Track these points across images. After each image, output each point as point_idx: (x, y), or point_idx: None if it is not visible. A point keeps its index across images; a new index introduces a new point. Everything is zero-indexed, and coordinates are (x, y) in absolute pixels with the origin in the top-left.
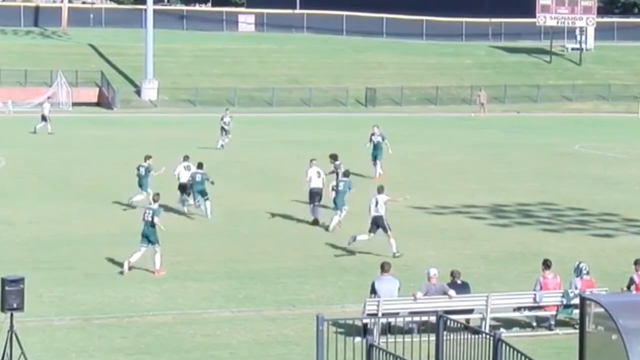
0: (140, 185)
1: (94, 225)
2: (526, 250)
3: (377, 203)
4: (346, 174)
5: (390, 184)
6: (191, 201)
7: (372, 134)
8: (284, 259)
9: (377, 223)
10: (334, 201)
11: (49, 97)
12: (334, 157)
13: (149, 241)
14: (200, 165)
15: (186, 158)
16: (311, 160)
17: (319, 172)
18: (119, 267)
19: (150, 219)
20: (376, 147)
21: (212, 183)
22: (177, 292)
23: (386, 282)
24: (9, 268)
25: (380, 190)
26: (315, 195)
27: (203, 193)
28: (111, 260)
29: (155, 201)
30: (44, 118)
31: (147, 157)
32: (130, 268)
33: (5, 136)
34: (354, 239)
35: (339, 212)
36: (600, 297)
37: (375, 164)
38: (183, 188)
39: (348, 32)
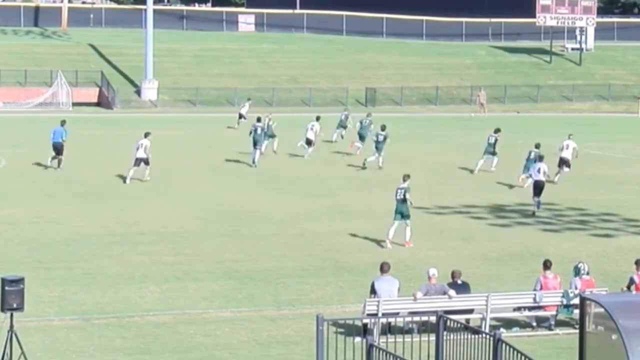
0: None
1: (94, 225)
2: (526, 250)
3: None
4: (536, 145)
5: (391, 184)
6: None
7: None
8: (284, 259)
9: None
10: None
11: (249, 99)
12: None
13: (402, 216)
14: (259, 119)
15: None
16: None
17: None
18: (119, 267)
19: (402, 196)
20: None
21: (269, 137)
22: (177, 292)
23: (386, 282)
24: (9, 268)
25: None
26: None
27: (256, 143)
28: (111, 260)
29: (405, 180)
30: (240, 116)
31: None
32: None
33: (5, 136)
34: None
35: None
36: (600, 297)
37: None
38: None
39: (348, 32)
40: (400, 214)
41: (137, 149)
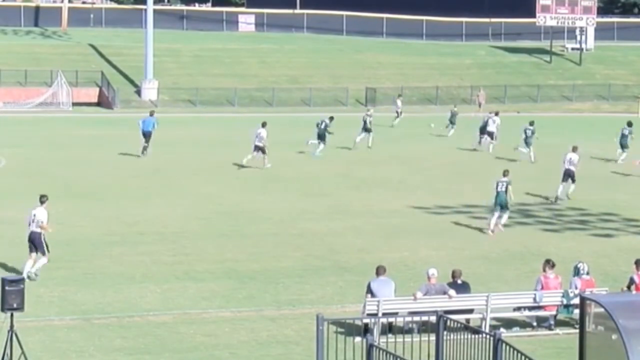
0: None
1: (94, 225)
2: (526, 250)
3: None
4: (629, 123)
5: (390, 184)
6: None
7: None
8: (284, 259)
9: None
10: None
11: (400, 95)
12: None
13: (502, 207)
14: (331, 118)
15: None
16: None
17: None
18: (119, 267)
19: (503, 189)
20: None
21: (331, 133)
22: (177, 292)
23: (382, 284)
24: (9, 268)
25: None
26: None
27: (321, 137)
28: (111, 260)
29: (505, 175)
30: (398, 113)
31: None
32: (492, 231)
33: (5, 136)
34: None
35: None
36: (600, 297)
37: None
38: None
39: (348, 32)
40: (500, 205)
41: (256, 137)
